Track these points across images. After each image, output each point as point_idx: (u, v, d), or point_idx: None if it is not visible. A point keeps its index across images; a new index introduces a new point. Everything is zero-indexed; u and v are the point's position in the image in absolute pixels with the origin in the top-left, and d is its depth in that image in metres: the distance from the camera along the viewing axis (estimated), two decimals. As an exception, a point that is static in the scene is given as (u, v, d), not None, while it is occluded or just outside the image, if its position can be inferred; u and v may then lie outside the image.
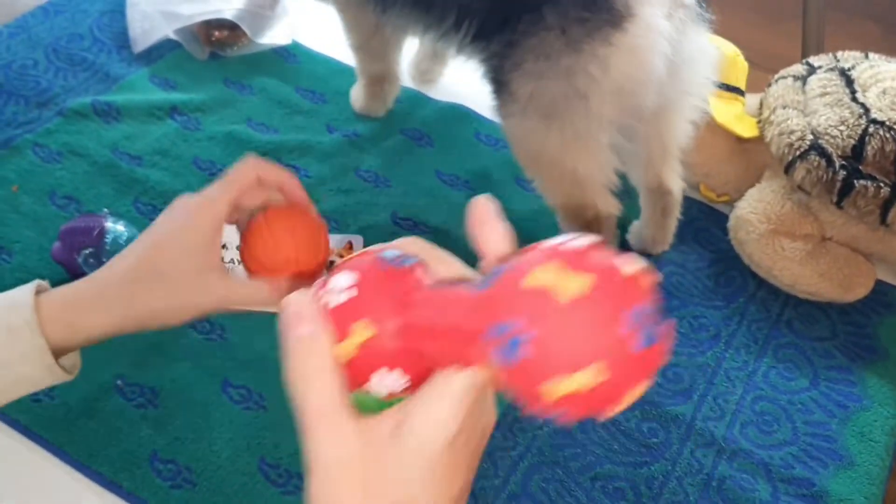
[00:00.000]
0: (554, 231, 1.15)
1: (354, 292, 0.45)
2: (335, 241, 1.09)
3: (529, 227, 1.16)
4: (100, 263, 0.98)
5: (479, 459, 0.48)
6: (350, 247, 1.09)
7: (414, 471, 0.43)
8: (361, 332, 0.44)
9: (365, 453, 0.44)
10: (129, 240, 1.00)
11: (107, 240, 0.99)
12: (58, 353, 0.67)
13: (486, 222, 0.47)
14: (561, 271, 0.38)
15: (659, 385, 0.99)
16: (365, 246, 1.08)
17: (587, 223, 1.03)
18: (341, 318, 0.45)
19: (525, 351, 0.37)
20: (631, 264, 0.39)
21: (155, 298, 0.69)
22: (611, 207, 1.03)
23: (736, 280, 1.12)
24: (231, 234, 1.07)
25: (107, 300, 0.69)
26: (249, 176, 0.72)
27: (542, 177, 1.05)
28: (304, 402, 0.45)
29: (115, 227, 1.01)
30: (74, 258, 0.99)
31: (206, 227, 0.71)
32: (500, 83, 0.97)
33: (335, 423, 0.44)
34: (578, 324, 0.37)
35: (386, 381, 0.45)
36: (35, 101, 1.26)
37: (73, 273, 1.00)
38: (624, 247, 1.15)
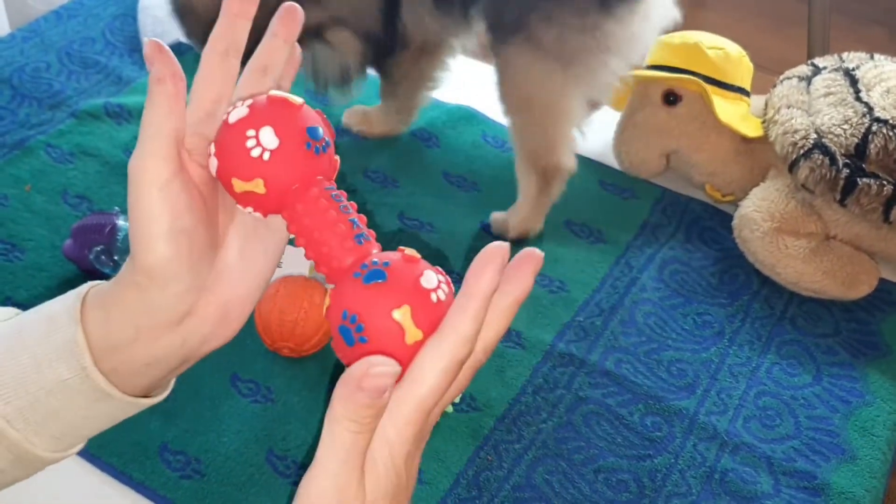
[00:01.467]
0: (556, 217, 1.17)
1: (268, 157, 0.48)
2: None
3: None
4: (111, 261, 1.00)
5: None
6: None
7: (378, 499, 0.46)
8: (256, 186, 0.49)
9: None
10: None
11: (118, 237, 1.01)
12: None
13: (483, 266, 0.46)
14: (412, 318, 0.45)
15: (663, 380, 1.00)
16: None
17: (546, 175, 1.11)
18: (249, 165, 0.48)
19: (358, 345, 0.46)
20: None
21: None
22: (572, 163, 1.13)
23: (740, 278, 1.13)
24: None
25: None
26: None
27: (527, 119, 1.11)
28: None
29: (127, 224, 1.02)
30: (86, 255, 1.01)
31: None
32: (514, 25, 1.03)
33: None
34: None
35: (254, 216, 0.51)
36: (48, 103, 1.29)
37: (85, 270, 1.02)
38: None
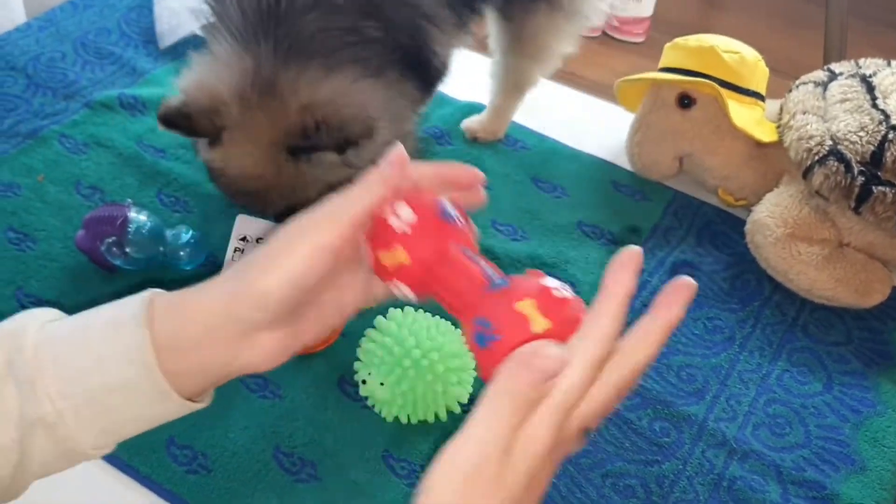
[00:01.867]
0: (568, 218, 1.16)
1: (409, 230, 0.57)
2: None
3: (547, 225, 1.17)
4: (123, 252, 1.00)
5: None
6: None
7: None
8: (400, 256, 0.57)
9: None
10: (152, 230, 1.02)
11: (130, 229, 1.00)
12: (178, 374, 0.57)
13: (622, 269, 0.51)
14: (538, 309, 0.50)
15: (672, 385, 1.00)
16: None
17: (524, 92, 1.29)
18: (391, 237, 0.57)
19: (491, 344, 0.51)
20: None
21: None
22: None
23: (752, 284, 1.13)
24: (253, 228, 1.08)
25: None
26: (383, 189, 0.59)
27: (535, 62, 1.25)
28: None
29: (139, 216, 1.02)
30: (98, 247, 1.00)
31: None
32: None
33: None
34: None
35: (401, 289, 0.59)
36: (62, 93, 1.28)
37: (96, 262, 1.02)
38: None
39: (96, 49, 1.37)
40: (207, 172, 0.99)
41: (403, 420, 0.91)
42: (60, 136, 1.21)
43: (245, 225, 1.07)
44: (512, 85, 1.28)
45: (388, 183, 0.57)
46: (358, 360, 0.91)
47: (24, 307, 0.99)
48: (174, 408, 0.58)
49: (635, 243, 1.15)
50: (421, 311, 0.93)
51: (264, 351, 0.58)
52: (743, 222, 1.16)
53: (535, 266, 1.10)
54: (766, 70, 1.21)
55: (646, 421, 0.97)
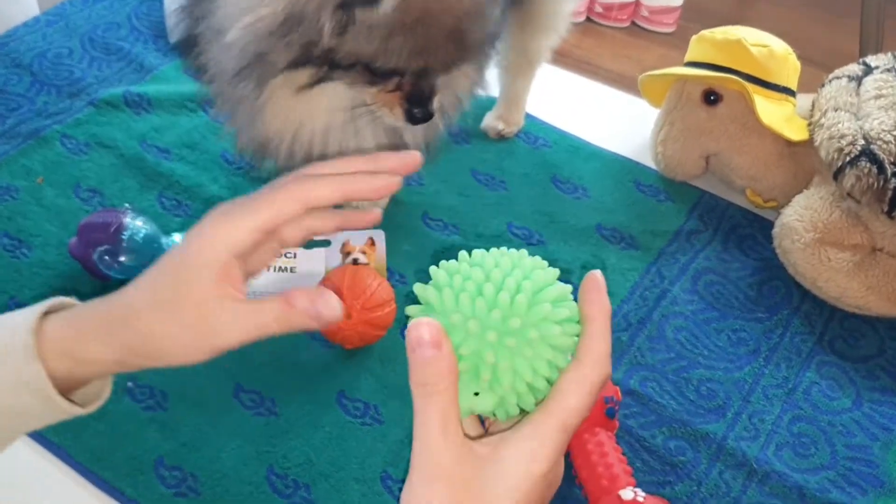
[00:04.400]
0: (587, 220, 1.10)
1: None
2: (357, 237, 1.06)
3: (565, 228, 1.12)
4: (116, 261, 0.97)
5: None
6: (372, 243, 1.05)
7: (503, 495, 0.49)
8: None
9: (460, 469, 0.49)
10: (147, 237, 0.98)
11: (124, 237, 0.96)
12: (64, 384, 0.59)
13: (597, 292, 0.54)
14: None
15: (691, 402, 0.94)
16: (387, 242, 1.06)
17: (534, 72, 1.25)
18: None
19: None
20: None
21: (158, 330, 0.58)
22: None
23: (779, 291, 1.07)
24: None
25: (109, 328, 0.59)
26: (292, 206, 0.60)
27: (547, 36, 1.19)
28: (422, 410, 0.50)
29: (134, 223, 0.98)
30: (90, 255, 0.97)
31: (221, 254, 0.58)
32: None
33: (448, 434, 0.50)
34: None
35: None
36: (67, 90, 1.25)
37: (90, 271, 0.98)
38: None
39: (104, 45, 1.34)
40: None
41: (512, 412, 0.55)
42: (62, 137, 1.18)
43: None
44: (525, 63, 1.22)
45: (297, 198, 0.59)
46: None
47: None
48: (65, 416, 0.61)
49: (657, 247, 1.10)
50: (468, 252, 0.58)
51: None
52: (772, 225, 1.10)
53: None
54: (797, 64, 1.14)
55: (660, 439, 0.91)
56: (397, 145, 0.96)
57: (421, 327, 0.49)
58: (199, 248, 0.59)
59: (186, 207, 1.10)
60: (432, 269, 0.55)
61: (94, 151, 1.16)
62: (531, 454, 0.50)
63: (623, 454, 0.84)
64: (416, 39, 0.79)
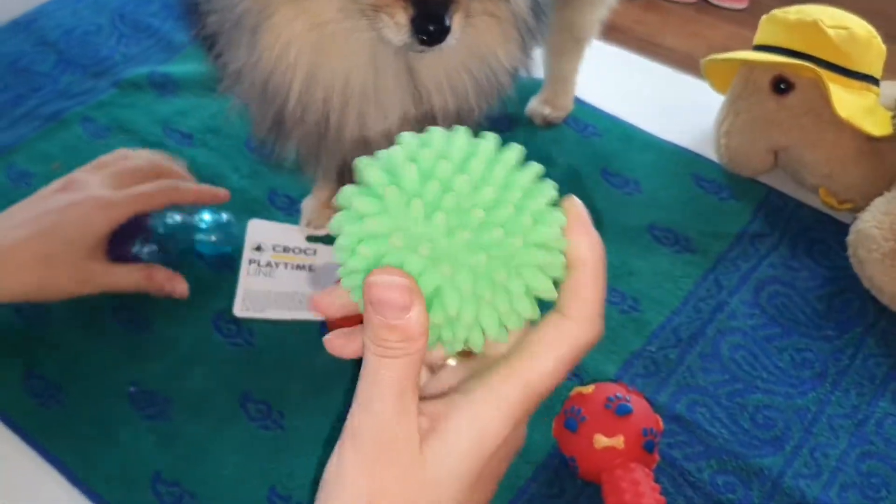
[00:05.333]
0: (639, 219, 1.00)
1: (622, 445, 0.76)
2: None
3: (614, 227, 1.02)
4: (154, 251, 0.94)
5: (500, 480, 0.47)
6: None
7: (444, 482, 0.42)
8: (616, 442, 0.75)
9: (408, 449, 0.42)
10: (179, 221, 0.95)
11: (157, 226, 0.93)
12: None
13: (583, 225, 0.45)
14: None
15: (745, 431, 0.84)
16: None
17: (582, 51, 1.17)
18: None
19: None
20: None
21: (42, 274, 0.84)
22: None
23: (852, 306, 0.95)
24: (267, 235, 0.97)
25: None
26: (153, 185, 0.90)
27: (596, 9, 1.11)
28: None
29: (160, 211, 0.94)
30: (129, 253, 0.92)
31: (102, 230, 0.86)
32: None
33: (403, 409, 0.43)
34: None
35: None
36: (92, 70, 1.19)
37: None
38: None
39: (134, 21, 1.27)
40: None
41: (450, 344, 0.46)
42: (83, 119, 1.12)
43: (258, 231, 0.96)
44: (571, 40, 1.12)
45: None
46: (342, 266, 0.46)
47: (17, 311, 0.91)
48: None
49: (716, 252, 0.99)
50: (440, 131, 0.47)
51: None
52: (847, 230, 0.98)
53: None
54: (883, 48, 1.02)
55: (707, 473, 0.81)
56: (425, 113, 0.85)
57: (390, 288, 0.40)
58: (86, 224, 0.86)
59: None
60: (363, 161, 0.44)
61: (114, 136, 1.10)
62: (481, 429, 0.42)
63: (662, 493, 0.75)
64: None
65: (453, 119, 0.84)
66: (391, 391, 0.42)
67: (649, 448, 0.75)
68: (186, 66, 1.19)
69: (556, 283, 0.44)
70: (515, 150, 0.44)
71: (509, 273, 0.42)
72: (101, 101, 1.14)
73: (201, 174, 1.05)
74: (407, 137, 0.45)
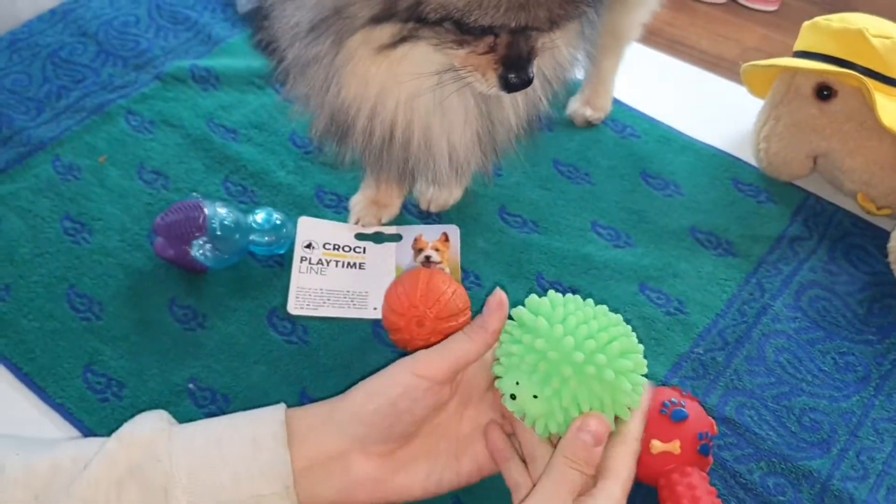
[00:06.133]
0: (680, 221, 1.02)
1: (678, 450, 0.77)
2: (429, 232, 0.99)
3: (655, 229, 1.03)
4: (213, 251, 0.93)
5: None
6: (446, 238, 0.99)
7: None
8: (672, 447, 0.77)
9: None
10: (234, 221, 0.94)
11: (214, 225, 0.93)
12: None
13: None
14: None
15: (792, 433, 0.86)
16: (462, 238, 0.99)
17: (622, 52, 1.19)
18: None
19: None
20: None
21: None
22: None
23: (893, 311, 0.97)
24: (317, 232, 0.98)
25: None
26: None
27: (638, 12, 1.13)
28: None
29: (216, 209, 0.94)
30: (187, 251, 0.93)
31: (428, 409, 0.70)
32: None
33: None
34: None
35: None
36: (133, 62, 1.20)
37: (186, 267, 0.94)
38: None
39: (172, 13, 1.27)
40: None
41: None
42: (127, 113, 1.12)
43: (308, 229, 0.97)
44: (612, 41, 1.14)
45: (490, 334, 0.68)
46: (498, 363, 0.69)
47: (74, 308, 0.92)
48: None
49: (757, 255, 1.01)
50: (569, 295, 0.70)
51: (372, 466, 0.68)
52: (886, 235, 1.00)
53: (638, 279, 0.97)
54: (925, 58, 1.03)
55: (757, 475, 0.83)
56: (492, 125, 0.87)
57: (599, 423, 0.65)
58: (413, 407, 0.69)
59: (252, 194, 1.04)
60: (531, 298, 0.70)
61: (159, 130, 1.11)
62: None
63: (718, 496, 0.77)
64: None
65: (524, 116, 0.86)
66: (570, 493, 0.62)
67: (704, 452, 0.77)
68: (227, 61, 1.19)
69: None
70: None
71: (601, 389, 0.66)
72: (143, 93, 1.15)
73: (248, 170, 1.06)
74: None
